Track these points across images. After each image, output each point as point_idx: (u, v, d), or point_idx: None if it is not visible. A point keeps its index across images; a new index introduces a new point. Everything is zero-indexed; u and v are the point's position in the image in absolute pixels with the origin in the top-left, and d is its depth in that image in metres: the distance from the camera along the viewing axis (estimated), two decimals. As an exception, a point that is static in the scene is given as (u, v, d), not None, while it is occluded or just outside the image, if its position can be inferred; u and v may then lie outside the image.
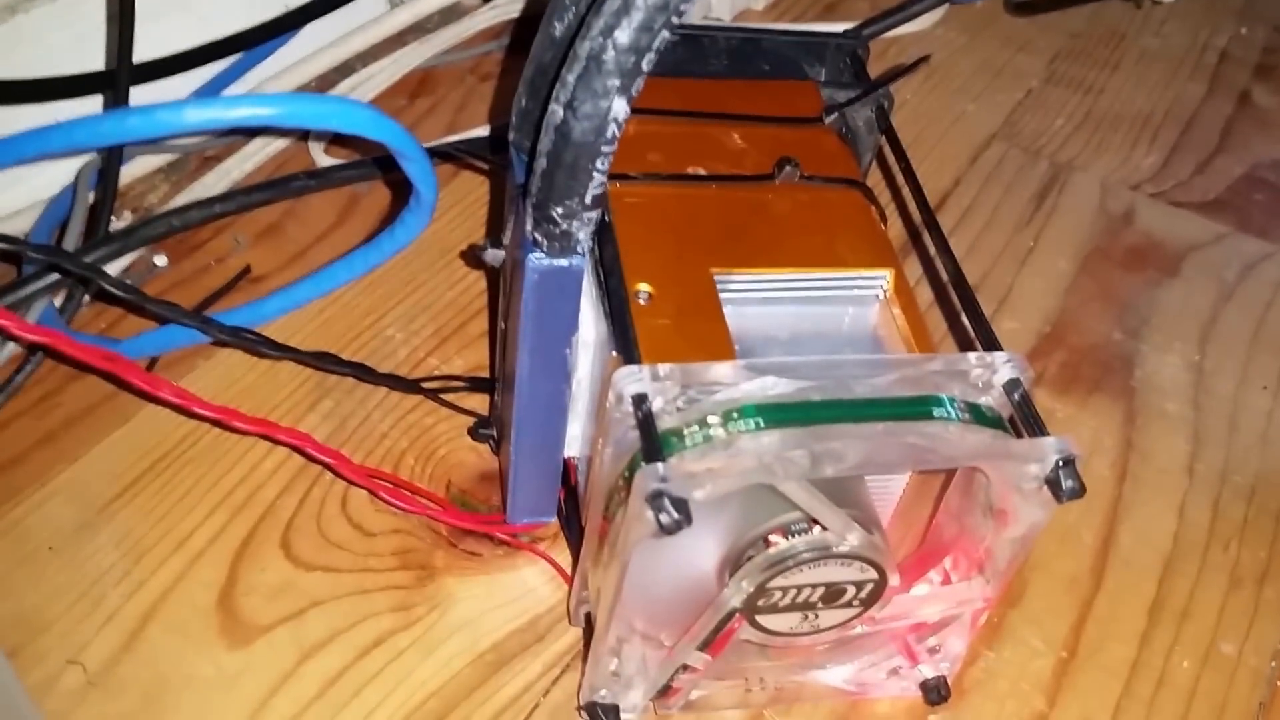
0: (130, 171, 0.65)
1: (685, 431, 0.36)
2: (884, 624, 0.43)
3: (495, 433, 0.54)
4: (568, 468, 0.49)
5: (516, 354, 0.44)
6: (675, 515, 0.33)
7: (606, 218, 0.43)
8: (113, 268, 0.59)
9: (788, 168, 0.45)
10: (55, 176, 0.61)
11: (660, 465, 0.34)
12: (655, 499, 0.34)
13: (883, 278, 0.43)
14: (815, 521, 0.38)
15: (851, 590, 0.40)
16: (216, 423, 0.41)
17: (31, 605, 0.47)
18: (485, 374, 0.57)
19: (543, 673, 0.47)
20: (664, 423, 0.36)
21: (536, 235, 0.40)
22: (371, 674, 0.46)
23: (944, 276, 0.45)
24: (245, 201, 0.57)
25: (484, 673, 0.47)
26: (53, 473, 0.52)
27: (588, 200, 0.39)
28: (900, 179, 0.50)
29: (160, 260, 0.62)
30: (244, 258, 0.62)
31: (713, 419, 0.36)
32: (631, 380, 0.37)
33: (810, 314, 0.43)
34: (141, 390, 0.39)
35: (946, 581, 0.44)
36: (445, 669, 0.47)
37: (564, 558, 0.51)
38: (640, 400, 0.37)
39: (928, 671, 0.46)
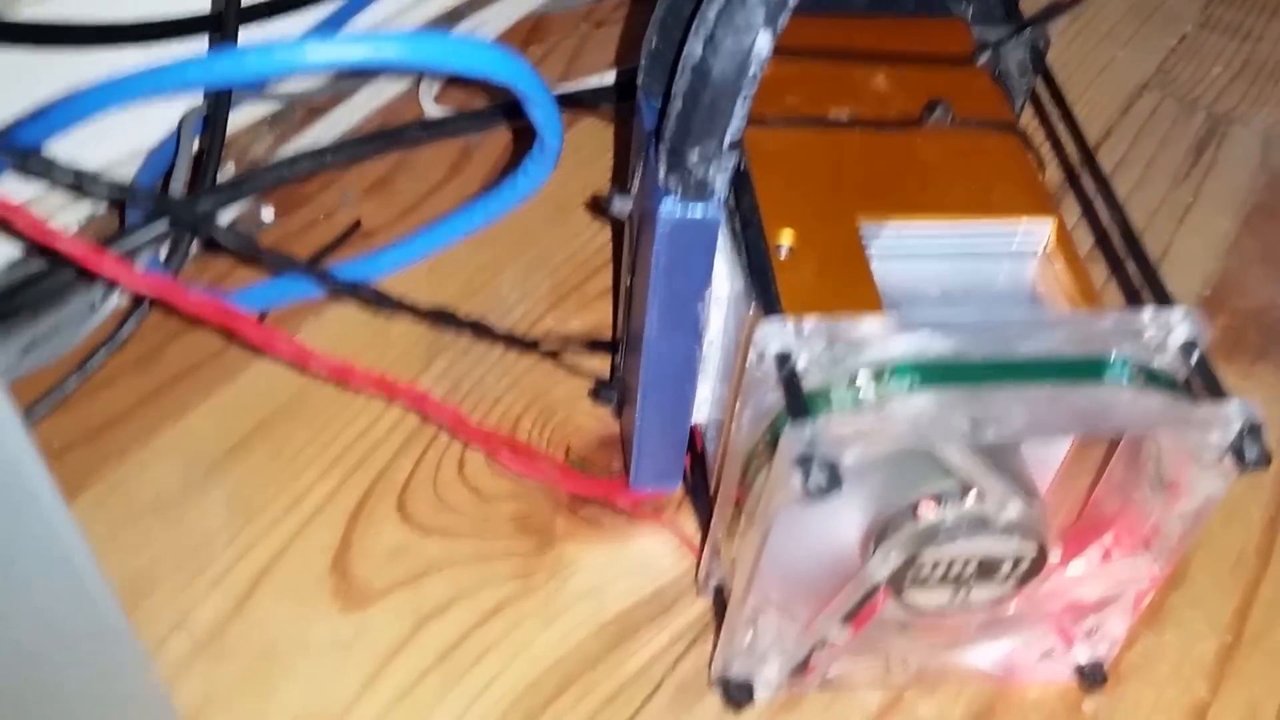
0: (234, 121, 0.65)
1: (833, 392, 0.35)
2: (1039, 603, 0.42)
3: (618, 396, 0.53)
4: (694, 433, 0.49)
5: (644, 311, 0.43)
6: (825, 480, 0.32)
7: (743, 164, 0.42)
8: (219, 220, 0.59)
9: (938, 110, 0.44)
10: (156, 127, 0.61)
11: (808, 426, 0.33)
12: (803, 462, 0.33)
13: (1043, 228, 0.42)
14: (971, 490, 0.37)
15: (1007, 565, 0.39)
16: (333, 379, 0.40)
17: (137, 568, 0.47)
18: (606, 335, 0.57)
19: (670, 645, 0.46)
20: (810, 382, 0.35)
21: (670, 182, 0.39)
22: (491, 642, 0.46)
23: (1106, 227, 0.43)
24: (357, 152, 0.57)
25: (608, 644, 0.46)
26: (157, 432, 0.52)
27: (726, 143, 0.38)
28: (1055, 125, 0.48)
29: (267, 214, 0.62)
30: (353, 212, 0.62)
31: (863, 378, 0.35)
32: (775, 337, 0.36)
33: (963, 269, 0.42)
34: (257, 344, 0.39)
35: (1107, 559, 0.43)
36: (567, 639, 0.46)
37: (690, 527, 0.50)
38: (784, 358, 0.36)
39: (1083, 655, 0.45)
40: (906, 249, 0.41)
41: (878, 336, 0.36)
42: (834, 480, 0.32)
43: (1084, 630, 0.44)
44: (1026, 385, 0.35)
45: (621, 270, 0.49)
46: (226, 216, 0.60)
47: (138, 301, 0.53)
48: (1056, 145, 0.47)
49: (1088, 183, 0.45)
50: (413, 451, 0.52)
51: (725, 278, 0.42)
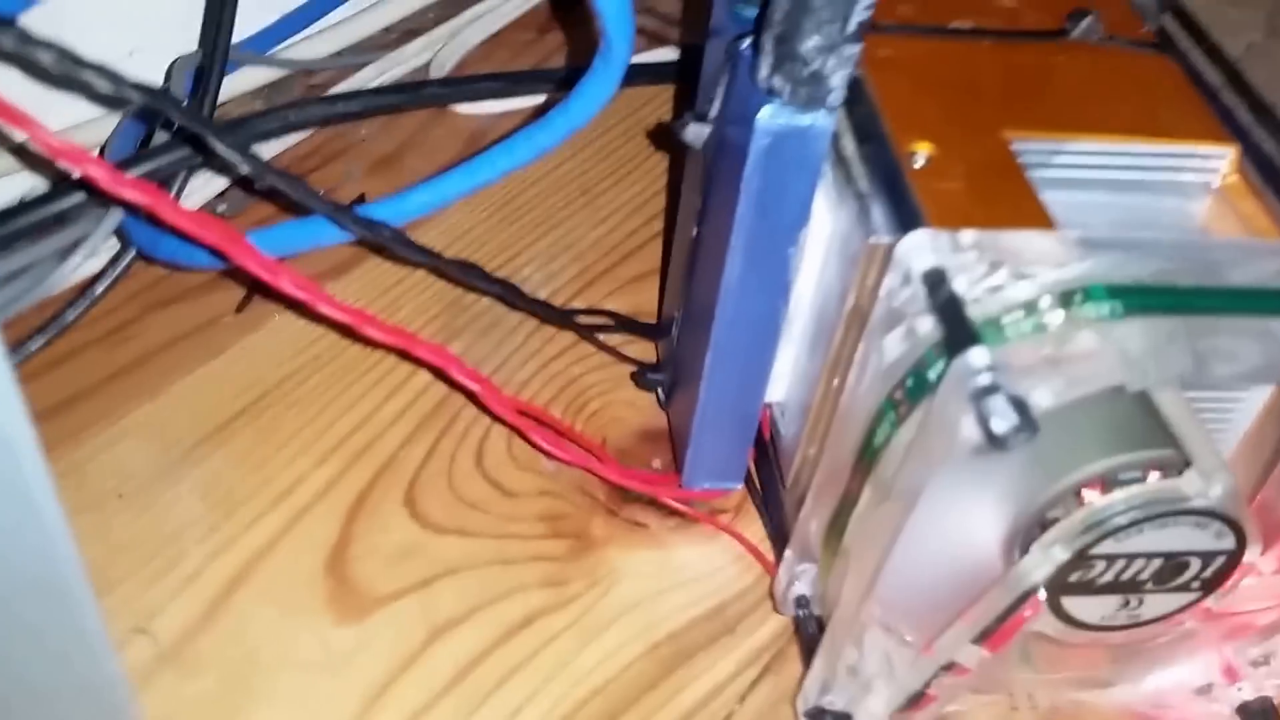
0: (226, 89, 0.57)
1: (1004, 319, 0.27)
2: (1209, 622, 0.34)
3: (668, 379, 0.44)
4: (760, 423, 0.40)
5: (720, 260, 0.35)
6: (1015, 417, 0.24)
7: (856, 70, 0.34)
8: (205, 184, 0.51)
9: (1086, 21, 0.36)
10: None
11: (987, 350, 0.25)
12: (984, 395, 0.24)
13: (1220, 159, 0.34)
14: (1149, 469, 0.29)
15: (1195, 565, 0.30)
16: (348, 322, 0.32)
17: (92, 561, 0.37)
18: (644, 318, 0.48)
19: (738, 672, 0.38)
20: (972, 310, 0.27)
21: (774, 82, 0.31)
22: (519, 660, 0.38)
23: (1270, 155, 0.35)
24: (372, 103, 0.49)
25: (660, 668, 0.38)
26: (126, 410, 0.44)
27: (850, 29, 0.30)
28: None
29: (265, 183, 0.53)
30: (357, 187, 0.54)
31: (1045, 302, 0.27)
32: (924, 250, 0.27)
33: (1122, 202, 0.34)
34: (258, 273, 0.31)
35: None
36: (611, 660, 0.38)
37: (753, 533, 0.42)
38: (937, 278, 0.27)
39: (1249, 691, 0.36)
40: (1066, 175, 0.33)
41: (1056, 256, 0.27)
42: (1026, 419, 0.24)
43: (1250, 660, 0.36)
44: (1250, 317, 0.27)
45: (679, 221, 0.41)
46: (219, 183, 0.52)
47: (113, 261, 0.44)
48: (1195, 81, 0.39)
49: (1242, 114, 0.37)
50: (423, 440, 0.44)
51: (826, 212, 0.34)
